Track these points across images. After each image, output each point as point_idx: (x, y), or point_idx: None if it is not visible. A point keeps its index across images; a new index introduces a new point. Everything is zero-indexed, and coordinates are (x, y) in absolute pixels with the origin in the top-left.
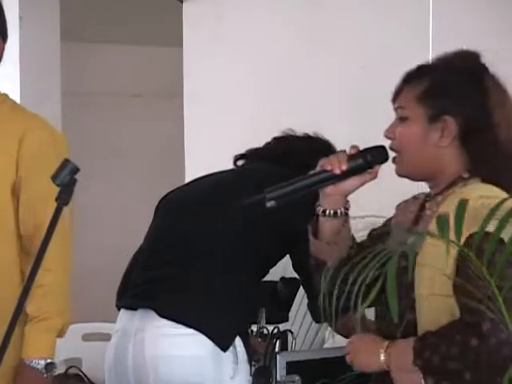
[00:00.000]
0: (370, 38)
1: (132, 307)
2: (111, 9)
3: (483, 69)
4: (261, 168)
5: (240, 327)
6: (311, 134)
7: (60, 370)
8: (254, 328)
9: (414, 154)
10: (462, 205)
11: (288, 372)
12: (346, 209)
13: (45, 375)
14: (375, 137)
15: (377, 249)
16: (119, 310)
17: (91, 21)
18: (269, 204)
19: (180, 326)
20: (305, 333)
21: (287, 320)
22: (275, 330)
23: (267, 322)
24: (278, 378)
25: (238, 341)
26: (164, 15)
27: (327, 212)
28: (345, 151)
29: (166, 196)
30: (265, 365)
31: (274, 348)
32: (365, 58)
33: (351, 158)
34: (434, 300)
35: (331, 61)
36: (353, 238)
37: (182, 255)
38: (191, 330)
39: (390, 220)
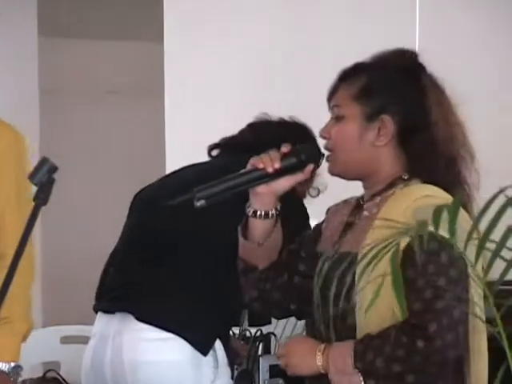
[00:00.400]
0: (355, 38)
1: (109, 310)
2: (89, 3)
3: (420, 67)
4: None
5: (220, 330)
6: (287, 118)
7: (38, 373)
8: (237, 330)
9: (349, 152)
10: (458, 199)
11: (271, 375)
12: (277, 210)
13: (11, 378)
14: None
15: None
16: (96, 312)
17: (70, 15)
18: (198, 203)
19: (158, 330)
20: (288, 335)
21: (270, 322)
22: (258, 333)
23: (250, 325)
24: (261, 382)
25: (218, 344)
26: (144, 9)
27: (258, 213)
28: (277, 150)
29: (139, 193)
30: (247, 368)
31: (257, 351)
32: (351, 57)
33: (284, 156)
34: (379, 305)
35: (317, 58)
36: (282, 241)
37: (157, 257)
38: (170, 335)
39: (320, 224)
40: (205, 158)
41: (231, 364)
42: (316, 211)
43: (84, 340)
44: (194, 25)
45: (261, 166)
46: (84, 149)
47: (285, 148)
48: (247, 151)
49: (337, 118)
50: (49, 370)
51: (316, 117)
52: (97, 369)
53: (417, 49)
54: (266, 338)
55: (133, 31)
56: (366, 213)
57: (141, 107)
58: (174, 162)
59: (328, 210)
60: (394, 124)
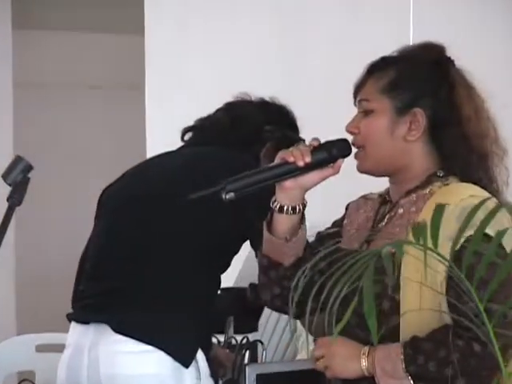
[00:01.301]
0: (346, 36)
1: (84, 321)
2: None
3: (449, 62)
4: (211, 157)
5: (202, 339)
6: (267, 98)
7: (12, 383)
8: (222, 338)
9: (380, 147)
10: (439, 211)
11: None
12: (304, 205)
13: None
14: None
15: (351, 259)
16: (70, 322)
17: (46, 7)
18: (228, 196)
19: (136, 342)
20: (276, 343)
21: (257, 330)
22: (244, 341)
23: (236, 332)
24: None
25: (200, 354)
26: (125, 1)
27: (285, 208)
28: (305, 143)
29: (107, 189)
30: (233, 378)
31: (243, 360)
32: (339, 55)
33: (314, 150)
34: (423, 305)
35: (304, 54)
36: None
37: (134, 263)
38: (149, 347)
39: (340, 221)
40: None
41: (215, 375)
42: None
43: (60, 349)
44: (176, 17)
45: (291, 159)
46: (59, 146)
47: (315, 141)
48: (226, 135)
49: (365, 112)
50: (24, 380)
51: (304, 113)
52: (72, 382)
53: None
54: (252, 346)
55: (113, 23)
56: (401, 210)
57: (121, 101)
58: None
59: (347, 206)
60: (426, 118)
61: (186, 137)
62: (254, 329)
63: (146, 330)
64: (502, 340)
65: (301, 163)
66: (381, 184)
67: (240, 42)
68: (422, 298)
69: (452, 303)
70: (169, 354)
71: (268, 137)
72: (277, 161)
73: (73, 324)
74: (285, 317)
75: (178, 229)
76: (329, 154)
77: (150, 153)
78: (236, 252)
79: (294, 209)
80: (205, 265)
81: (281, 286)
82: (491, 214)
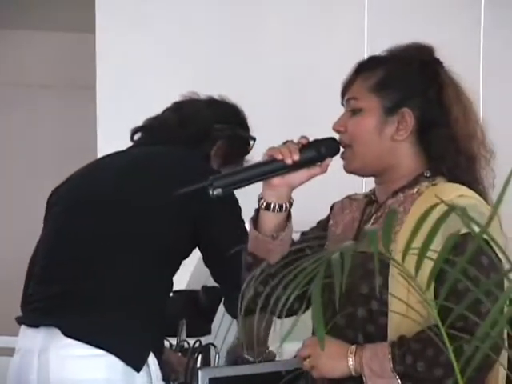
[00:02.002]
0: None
1: (33, 324)
2: None
3: (438, 63)
4: (163, 157)
5: (153, 343)
6: (216, 97)
7: None
8: (174, 342)
9: (368, 147)
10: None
11: None
12: (291, 203)
13: None
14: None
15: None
16: (20, 325)
17: None
18: (215, 192)
19: (87, 346)
20: (229, 346)
21: (210, 333)
22: (197, 344)
23: (188, 335)
24: None
25: (151, 358)
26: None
27: (272, 206)
28: (292, 141)
29: (56, 190)
30: (186, 382)
31: (196, 363)
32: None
33: (303, 148)
34: (411, 304)
35: (255, 49)
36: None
37: (83, 266)
38: (100, 351)
39: (325, 221)
40: None
41: (166, 379)
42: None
43: (11, 352)
44: (127, 15)
45: (279, 157)
46: (9, 145)
47: (303, 139)
48: (171, 133)
49: (353, 111)
50: None
51: (256, 113)
52: None
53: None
54: (205, 350)
55: (64, 22)
56: (388, 210)
57: (72, 101)
58: None
59: (332, 206)
60: (414, 118)
61: (136, 137)
62: (207, 332)
63: (96, 334)
64: (489, 341)
65: (289, 161)
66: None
67: (191, 41)
68: (409, 299)
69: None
70: (120, 357)
71: (218, 135)
72: (264, 158)
73: (23, 327)
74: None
75: (128, 231)
76: (317, 152)
77: (101, 153)
78: (187, 255)
79: (280, 206)
80: (155, 267)
81: (265, 284)
82: (445, 215)
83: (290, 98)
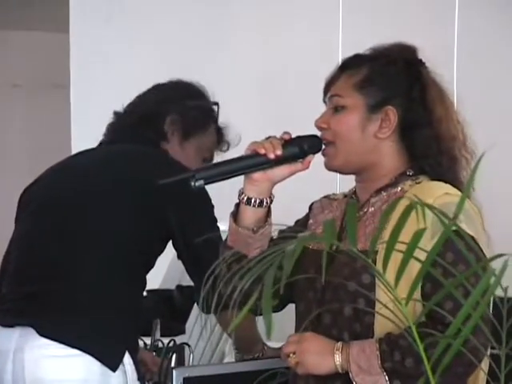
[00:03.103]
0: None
1: (8, 324)
2: None
3: (421, 63)
4: (131, 153)
5: (128, 343)
6: (183, 79)
7: None
8: (148, 341)
9: (351, 144)
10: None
11: None
12: (271, 199)
13: None
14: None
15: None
16: None
17: None
18: (197, 184)
19: (62, 345)
20: (203, 346)
21: (184, 332)
22: (171, 343)
23: (162, 335)
24: None
25: (126, 358)
26: None
27: (253, 201)
28: (275, 136)
29: (27, 189)
30: (160, 381)
31: (170, 363)
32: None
33: (286, 144)
34: (396, 312)
35: (230, 56)
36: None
37: (56, 266)
38: (75, 351)
39: (304, 220)
40: None
41: (141, 379)
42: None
43: None
44: (101, 14)
45: (262, 151)
46: None
47: (286, 135)
48: (121, 122)
49: (336, 108)
50: None
51: (232, 104)
52: None
53: (340, 58)
54: (179, 349)
55: (37, 20)
56: (371, 209)
57: (45, 100)
58: None
59: (311, 206)
60: (397, 117)
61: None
62: (181, 331)
63: (71, 334)
64: (470, 343)
65: (271, 156)
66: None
67: (167, 40)
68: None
69: (427, 297)
70: (96, 357)
71: (166, 109)
72: (247, 152)
73: None
74: (213, 319)
75: (96, 230)
76: (300, 149)
77: (74, 151)
78: (160, 252)
79: (261, 202)
80: (127, 265)
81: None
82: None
83: (267, 94)
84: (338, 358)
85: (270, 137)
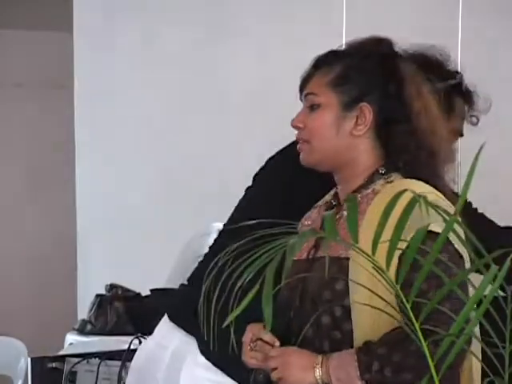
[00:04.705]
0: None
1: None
2: None
3: (397, 56)
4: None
5: None
6: None
7: None
8: None
9: (326, 142)
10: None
11: None
12: None
13: None
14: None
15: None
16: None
17: None
18: None
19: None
20: None
21: None
22: None
23: None
24: None
25: None
26: None
27: None
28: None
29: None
30: None
31: None
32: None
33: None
34: (373, 317)
35: (230, 59)
36: None
37: None
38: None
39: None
40: (118, 155)
41: None
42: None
43: None
44: (105, 14)
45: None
46: None
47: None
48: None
49: (311, 107)
50: None
51: (231, 129)
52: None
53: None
54: None
55: (41, 20)
56: (345, 213)
57: (49, 101)
58: (84, 164)
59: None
60: (373, 114)
61: None
62: None
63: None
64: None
65: None
66: None
67: (170, 40)
68: (372, 300)
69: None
70: None
71: None
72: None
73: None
74: None
75: None
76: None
77: (79, 153)
78: None
79: None
80: None
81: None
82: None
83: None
84: (318, 372)
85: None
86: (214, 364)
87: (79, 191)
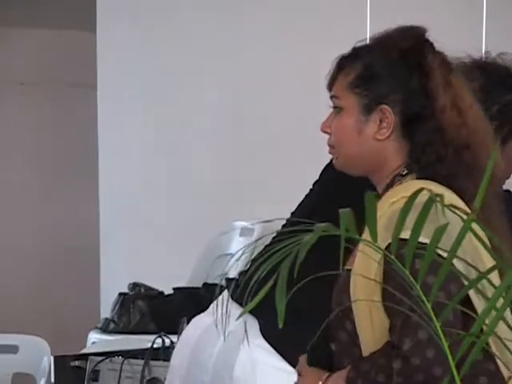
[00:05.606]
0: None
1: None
2: None
3: (425, 46)
4: None
5: None
6: None
7: None
8: (175, 339)
9: (348, 148)
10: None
11: None
12: None
13: None
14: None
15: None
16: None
17: None
18: None
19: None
20: None
21: None
22: None
23: None
24: None
25: None
26: None
27: None
28: None
29: None
30: None
31: None
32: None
33: None
34: (374, 319)
35: (248, 48)
36: None
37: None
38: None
39: None
40: (139, 154)
41: None
42: None
43: (10, 349)
44: (129, 12)
45: None
46: (5, 145)
47: None
48: None
49: (337, 110)
50: None
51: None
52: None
53: None
54: None
55: (65, 19)
56: None
57: (72, 100)
58: (106, 162)
59: None
60: (396, 114)
61: None
62: None
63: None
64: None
65: None
66: None
67: (195, 40)
68: (372, 315)
69: (388, 298)
70: None
71: None
72: None
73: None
74: None
75: None
76: None
77: (102, 152)
78: None
79: None
80: None
81: None
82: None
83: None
84: None
85: None
86: (276, 348)
87: (102, 190)
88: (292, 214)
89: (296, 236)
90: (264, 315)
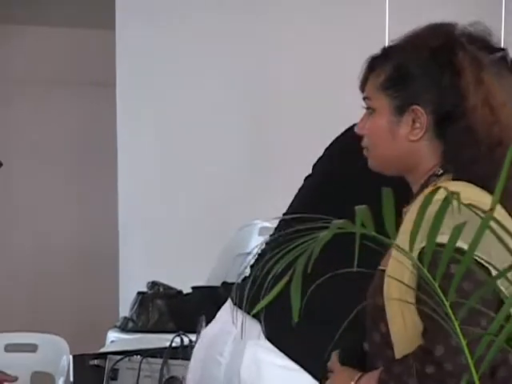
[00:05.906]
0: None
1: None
2: None
3: (455, 44)
4: None
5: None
6: None
7: None
8: (193, 338)
9: (382, 149)
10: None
11: None
12: None
13: None
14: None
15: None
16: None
17: (13, 1)
18: None
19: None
20: None
21: None
22: None
23: None
24: None
25: None
26: None
27: None
28: None
29: None
30: None
31: None
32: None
33: None
34: (406, 321)
35: (270, 49)
36: None
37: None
38: (296, 366)
39: None
40: (157, 152)
41: None
42: None
43: (29, 348)
44: (148, 12)
45: None
46: (28, 148)
47: None
48: None
49: (370, 111)
50: None
51: (272, 105)
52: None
53: None
54: None
55: (84, 18)
56: (404, 216)
57: (91, 99)
58: (126, 162)
59: None
60: (428, 114)
61: None
62: None
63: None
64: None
65: None
66: None
67: (214, 40)
68: (405, 317)
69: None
70: (314, 376)
71: None
72: None
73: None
74: None
75: None
76: None
77: (122, 150)
78: None
79: None
80: None
81: None
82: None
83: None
84: None
85: None
86: (281, 350)
87: (121, 190)
88: (289, 206)
89: (299, 235)
90: (267, 316)
